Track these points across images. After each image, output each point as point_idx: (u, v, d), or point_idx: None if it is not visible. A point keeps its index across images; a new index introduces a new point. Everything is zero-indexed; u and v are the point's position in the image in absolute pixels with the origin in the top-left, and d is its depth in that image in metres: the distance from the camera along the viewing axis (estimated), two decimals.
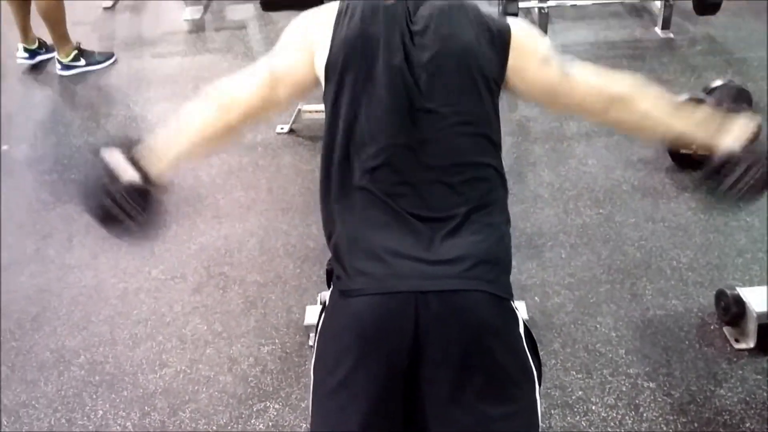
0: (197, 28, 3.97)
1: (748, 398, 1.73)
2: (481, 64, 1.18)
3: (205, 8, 4.16)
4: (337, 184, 1.17)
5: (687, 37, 3.48)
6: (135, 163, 1.16)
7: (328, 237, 1.19)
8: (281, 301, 2.11)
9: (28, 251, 2.39)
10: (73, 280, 2.25)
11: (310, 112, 2.88)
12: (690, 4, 3.36)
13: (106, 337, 2.04)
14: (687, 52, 3.37)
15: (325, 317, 1.16)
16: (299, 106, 2.90)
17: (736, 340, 1.88)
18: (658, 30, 3.55)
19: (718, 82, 2.70)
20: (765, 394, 1.74)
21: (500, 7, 3.31)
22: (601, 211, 2.39)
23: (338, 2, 1.24)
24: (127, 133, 1.06)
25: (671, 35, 3.50)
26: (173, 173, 1.22)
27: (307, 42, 1.22)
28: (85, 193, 1.15)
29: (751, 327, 1.86)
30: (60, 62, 3.50)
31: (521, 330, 1.11)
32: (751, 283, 2.03)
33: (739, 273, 2.10)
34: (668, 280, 2.10)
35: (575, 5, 3.65)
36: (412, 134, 1.15)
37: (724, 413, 1.69)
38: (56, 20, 3.38)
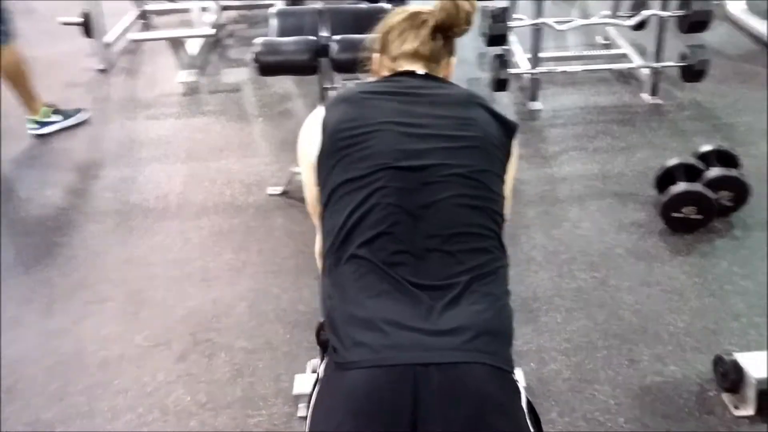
0: (192, 90, 4.02)
1: None
2: (495, 149, 1.22)
3: (200, 71, 4.23)
4: (335, 257, 1.15)
5: (675, 103, 3.55)
6: None
7: (325, 309, 1.16)
8: (270, 369, 2.05)
9: (5, 317, 2.32)
10: (51, 348, 2.18)
11: None
12: (676, 71, 3.45)
13: (83, 409, 1.95)
14: (675, 117, 3.43)
15: (319, 390, 1.11)
16: (293, 169, 2.90)
17: (736, 407, 1.83)
18: (646, 96, 3.62)
19: (705, 147, 2.75)
20: None
21: (492, 74, 3.38)
22: (595, 274, 2.37)
23: (323, 105, 1.28)
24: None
25: (659, 101, 3.57)
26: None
27: (308, 155, 1.24)
28: None
29: (751, 393, 1.81)
30: (34, 121, 3.45)
31: (524, 403, 1.07)
32: (749, 348, 1.99)
33: (736, 338, 2.07)
34: (665, 345, 2.06)
35: (565, 71, 3.73)
36: (413, 205, 1.14)
37: None
38: (19, 78, 3.32)
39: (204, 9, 4.70)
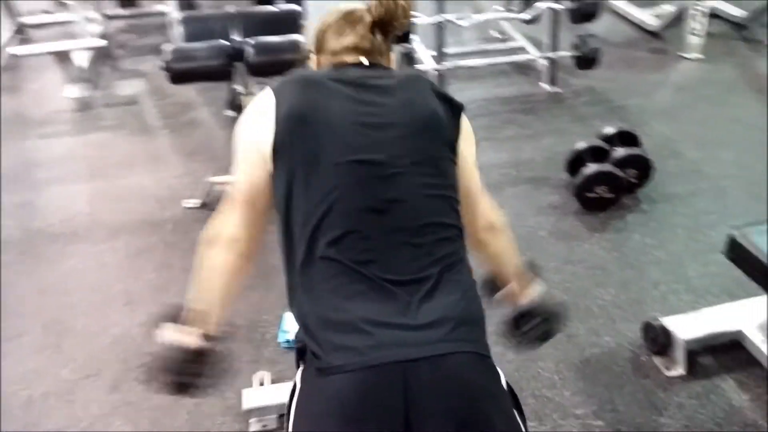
0: (85, 105, 3.79)
1: (689, 423, 1.79)
2: (444, 130, 1.20)
3: (92, 85, 3.99)
4: (302, 258, 1.11)
5: (571, 90, 3.75)
6: (190, 332, 1.15)
7: (297, 314, 1.12)
8: (213, 388, 1.96)
9: None
10: None
11: (221, 184, 2.79)
12: (570, 60, 3.65)
13: None
14: (574, 103, 3.62)
15: (300, 400, 1.07)
16: (210, 179, 2.80)
17: (667, 368, 1.96)
18: (545, 85, 3.80)
19: (609, 129, 2.92)
20: (702, 417, 1.81)
21: None
22: (522, 257, 2.45)
23: (269, 87, 1.22)
24: (168, 309, 1.17)
25: (558, 89, 3.76)
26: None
27: (255, 142, 1.18)
28: (162, 376, 1.16)
29: (680, 355, 1.94)
30: None
31: (504, 387, 1.10)
32: (671, 313, 2.13)
33: (658, 305, 2.21)
34: (597, 318, 2.17)
35: (468, 66, 3.84)
36: (375, 199, 1.12)
37: None
38: None
39: (88, 20, 4.44)
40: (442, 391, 1.00)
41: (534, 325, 1.37)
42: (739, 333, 1.97)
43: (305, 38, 2.33)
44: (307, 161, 1.13)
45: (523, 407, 1.67)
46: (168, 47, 2.29)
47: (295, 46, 2.27)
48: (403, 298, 1.06)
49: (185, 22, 2.49)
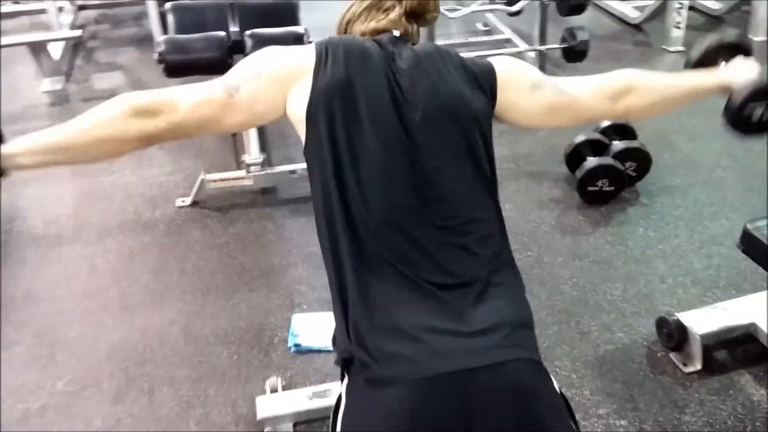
0: (61, 99, 3.63)
1: (710, 420, 1.78)
2: (472, 111, 1.12)
3: (67, 78, 3.83)
4: (347, 259, 1.04)
5: None
6: None
7: (343, 318, 1.05)
8: (222, 396, 1.88)
9: None
10: None
11: (215, 181, 2.69)
12: (559, 53, 3.63)
13: None
14: None
15: (349, 414, 1.01)
16: (202, 176, 2.70)
17: (684, 364, 1.95)
18: None
19: (605, 123, 2.90)
20: (723, 413, 1.80)
21: None
22: (529, 253, 2.43)
23: (315, 45, 1.13)
24: None
25: None
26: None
27: (285, 76, 1.09)
28: None
29: (696, 350, 1.93)
30: None
31: (557, 390, 1.07)
32: (680, 306, 2.13)
33: (667, 298, 2.20)
34: (608, 314, 2.15)
35: None
36: (415, 194, 1.06)
37: None
38: None
39: (60, 9, 4.26)
40: (503, 400, 0.96)
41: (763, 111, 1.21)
42: (752, 326, 1.97)
43: (303, 30, 2.25)
44: (343, 141, 1.06)
45: None
46: (163, 38, 2.18)
47: (295, 37, 2.19)
48: (454, 303, 1.02)
49: (176, 11, 2.37)
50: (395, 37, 1.17)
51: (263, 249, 2.47)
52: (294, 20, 2.39)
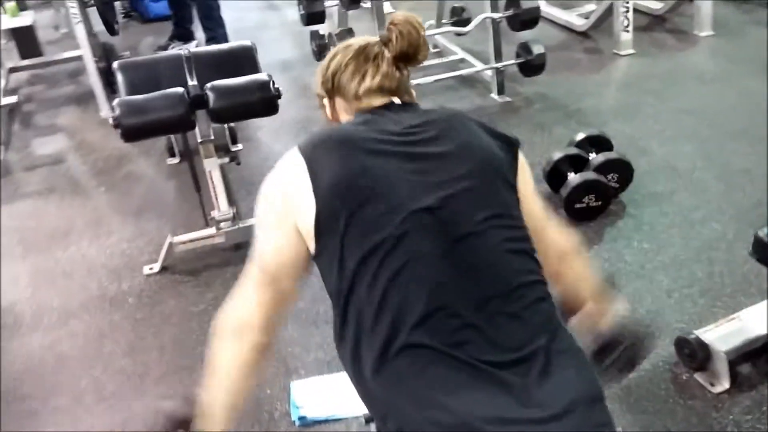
0: (3, 171, 3.37)
1: None
2: (503, 170, 1.07)
3: (6, 147, 3.57)
4: (380, 351, 0.92)
5: (522, 98, 3.69)
6: None
7: (382, 418, 0.92)
8: None
9: None
10: None
11: (183, 243, 2.50)
12: (515, 68, 3.59)
13: None
14: (529, 112, 3.55)
15: None
16: (169, 239, 2.50)
17: (711, 384, 1.86)
18: (494, 96, 3.72)
19: (579, 136, 2.85)
20: (763, 429, 1.72)
21: None
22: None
23: (296, 150, 1.04)
24: (176, 409, 1.11)
25: (508, 98, 3.69)
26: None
27: (285, 212, 1.02)
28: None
29: (722, 368, 1.85)
30: None
31: None
32: (692, 321, 2.06)
33: (678, 314, 2.12)
34: None
35: (414, 84, 3.70)
36: (453, 269, 0.95)
37: None
38: None
39: None
40: None
41: (618, 355, 1.21)
42: None
43: (267, 77, 2.10)
44: (365, 234, 0.96)
45: None
46: (117, 101, 1.99)
47: (261, 86, 2.04)
48: (516, 383, 0.90)
49: (124, 70, 2.20)
50: (398, 105, 1.12)
51: None
52: (252, 63, 2.25)
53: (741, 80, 3.66)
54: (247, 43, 2.34)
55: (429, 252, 0.95)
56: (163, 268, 2.52)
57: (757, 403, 1.79)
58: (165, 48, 4.49)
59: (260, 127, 3.53)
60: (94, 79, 3.80)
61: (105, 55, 3.86)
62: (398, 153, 1.02)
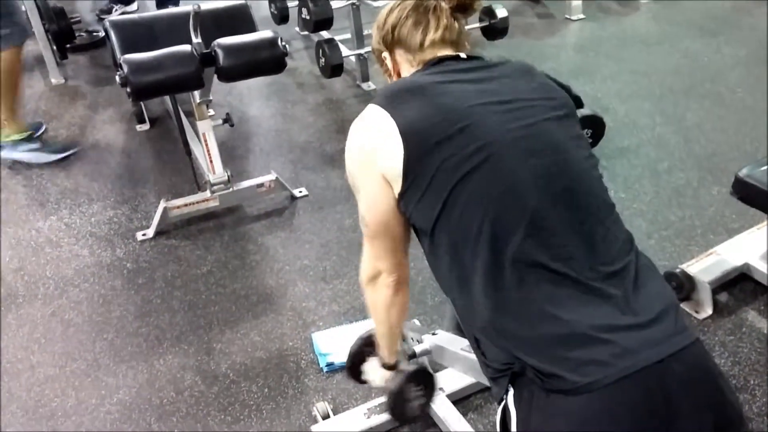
0: None
1: (736, 359, 1.90)
2: (574, 110, 1.15)
3: None
4: (485, 272, 1.00)
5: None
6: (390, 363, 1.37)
7: (499, 332, 1.00)
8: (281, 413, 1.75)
9: None
10: None
11: (178, 207, 2.48)
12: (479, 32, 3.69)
13: None
14: None
15: (528, 424, 0.98)
16: (163, 203, 2.47)
17: (696, 312, 2.06)
18: (361, 84, 3.61)
19: None
20: (745, 350, 1.93)
21: (324, 60, 3.24)
22: None
23: (374, 105, 1.09)
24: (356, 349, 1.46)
25: (372, 86, 3.60)
26: None
27: (380, 168, 1.07)
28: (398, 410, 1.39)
29: (706, 297, 2.05)
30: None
31: None
32: (672, 258, 2.26)
33: (660, 253, 2.31)
34: None
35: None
36: (555, 185, 1.03)
37: (731, 379, 1.83)
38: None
39: None
40: (693, 383, 0.96)
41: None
42: (746, 266, 2.13)
43: (275, 34, 2.11)
44: (457, 166, 1.02)
45: None
46: (124, 58, 1.94)
47: (269, 43, 2.04)
48: (615, 294, 1.00)
49: (118, 28, 2.14)
50: (463, 58, 1.17)
51: (253, 272, 2.31)
52: (250, 22, 2.24)
53: (681, 42, 3.92)
54: (243, 0, 2.32)
55: (526, 175, 1.01)
56: (158, 234, 2.50)
57: (738, 326, 2.01)
58: (108, 11, 4.31)
59: (229, 92, 3.49)
60: (43, 44, 3.64)
61: (54, 17, 3.67)
62: (479, 90, 1.08)
